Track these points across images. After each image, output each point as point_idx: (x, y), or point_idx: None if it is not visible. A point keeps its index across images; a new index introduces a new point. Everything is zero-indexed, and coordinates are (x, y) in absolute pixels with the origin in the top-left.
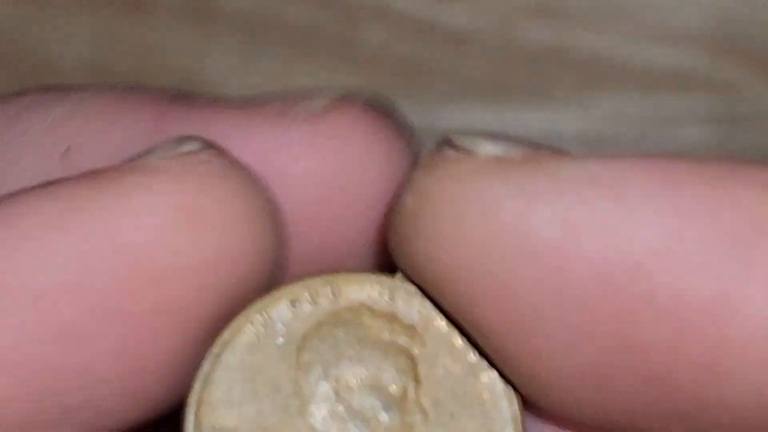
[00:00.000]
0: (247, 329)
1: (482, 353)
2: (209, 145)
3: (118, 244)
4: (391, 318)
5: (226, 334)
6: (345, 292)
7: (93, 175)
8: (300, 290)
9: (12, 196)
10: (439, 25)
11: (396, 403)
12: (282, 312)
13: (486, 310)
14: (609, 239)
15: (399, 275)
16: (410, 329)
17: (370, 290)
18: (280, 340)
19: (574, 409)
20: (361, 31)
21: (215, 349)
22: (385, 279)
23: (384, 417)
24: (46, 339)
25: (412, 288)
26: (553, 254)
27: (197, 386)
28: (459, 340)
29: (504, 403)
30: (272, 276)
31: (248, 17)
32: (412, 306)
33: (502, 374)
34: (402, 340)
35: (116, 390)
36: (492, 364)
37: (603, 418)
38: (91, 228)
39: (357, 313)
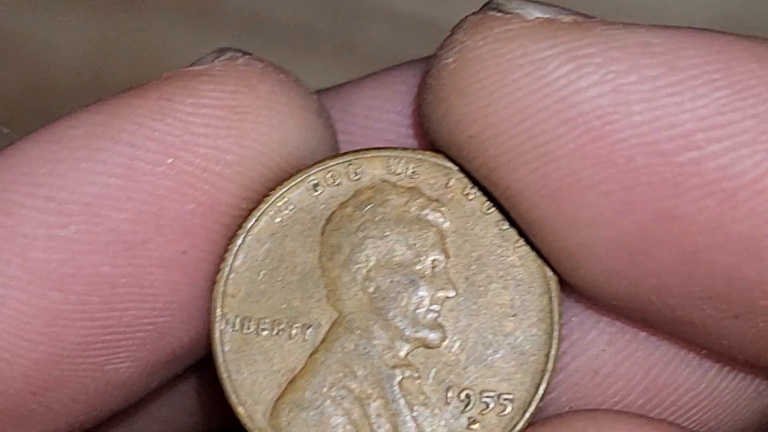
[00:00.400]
0: (268, 217)
1: (513, 225)
2: (247, 53)
3: (163, 147)
4: (416, 192)
5: (247, 224)
6: (366, 171)
7: (135, 88)
8: (320, 173)
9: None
10: (438, 23)
11: (426, 279)
12: (303, 197)
13: (522, 174)
14: (659, 108)
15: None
16: (436, 202)
17: (391, 166)
18: (304, 225)
19: (605, 285)
20: (360, 29)
21: (237, 240)
22: (407, 153)
23: (414, 295)
24: (99, 249)
25: (438, 159)
26: (600, 120)
27: (221, 279)
28: (489, 211)
29: (537, 272)
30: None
31: (247, 15)
32: (438, 178)
33: (534, 249)
34: (428, 214)
35: (172, 303)
36: (523, 238)
37: (634, 297)
38: (136, 133)
39: (379, 190)
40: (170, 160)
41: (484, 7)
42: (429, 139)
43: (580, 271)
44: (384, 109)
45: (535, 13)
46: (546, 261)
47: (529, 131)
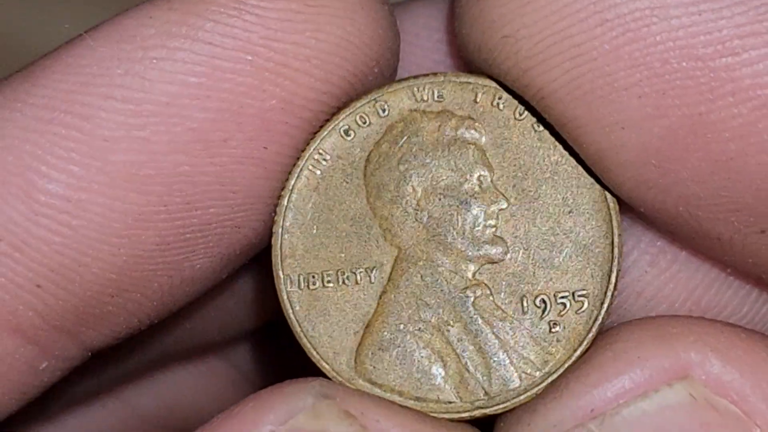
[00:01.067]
0: (308, 171)
1: (548, 127)
2: None
3: (241, 44)
4: (446, 114)
5: (289, 182)
6: (393, 105)
7: None
8: (349, 117)
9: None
10: None
11: (476, 197)
12: (337, 143)
13: (556, 75)
14: (697, 13)
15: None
16: (469, 120)
17: (416, 94)
18: (344, 172)
19: (634, 192)
20: None
21: (283, 200)
22: (428, 78)
23: (468, 215)
24: (179, 148)
25: (461, 77)
26: (637, 22)
27: (276, 242)
28: (521, 116)
29: (581, 167)
30: (389, 72)
31: None
32: (465, 96)
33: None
34: (463, 133)
35: (251, 198)
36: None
37: (662, 206)
38: (214, 31)
39: (410, 121)
40: (249, 57)
41: None
42: (461, 44)
43: (610, 175)
44: (432, 29)
45: None
46: None
47: (565, 31)
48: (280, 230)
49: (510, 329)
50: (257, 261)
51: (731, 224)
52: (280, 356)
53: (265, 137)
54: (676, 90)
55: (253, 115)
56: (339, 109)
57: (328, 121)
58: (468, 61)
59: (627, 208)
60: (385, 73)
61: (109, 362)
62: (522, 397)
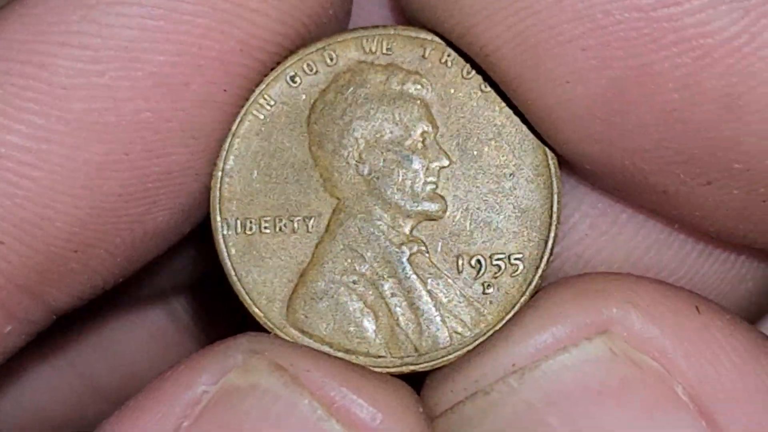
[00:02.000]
0: (252, 116)
1: (495, 87)
2: None
3: None
4: (393, 68)
5: (231, 126)
6: (341, 55)
7: None
8: (296, 64)
9: None
10: None
11: (418, 152)
12: (283, 90)
13: (499, 31)
14: None
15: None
16: (416, 75)
17: (365, 46)
18: (288, 118)
19: (580, 146)
20: None
21: (225, 144)
22: (378, 30)
23: (408, 170)
24: (140, 94)
25: (411, 32)
26: None
27: (215, 185)
28: (469, 75)
29: (527, 129)
30: (342, 15)
31: None
32: (413, 51)
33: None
34: (409, 87)
35: (212, 143)
36: (505, 101)
37: (608, 161)
38: None
39: (357, 72)
40: None
41: None
42: (404, 4)
43: (557, 132)
44: None
45: None
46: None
47: None
48: (219, 173)
49: (444, 288)
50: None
51: (677, 176)
52: (220, 307)
53: (225, 79)
54: (620, 41)
55: (212, 57)
56: (286, 57)
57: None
58: (413, 19)
59: (570, 169)
60: (339, 17)
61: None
62: (451, 356)
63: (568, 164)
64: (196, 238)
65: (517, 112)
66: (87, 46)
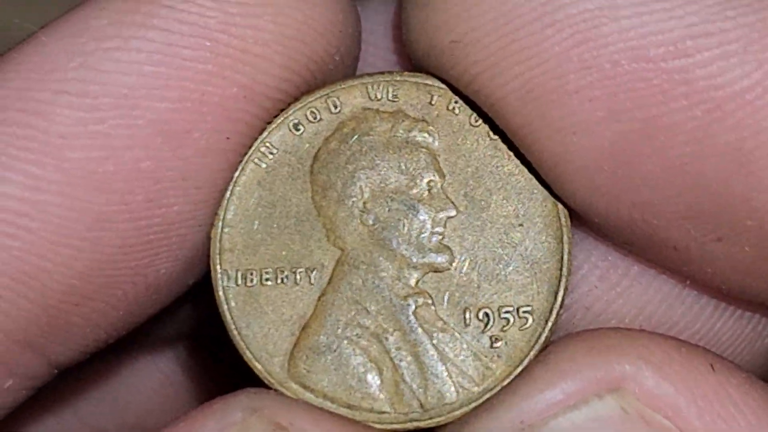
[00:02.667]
0: (254, 164)
1: (503, 135)
2: None
3: (199, 29)
4: (399, 115)
5: (233, 176)
6: (346, 102)
7: None
8: (300, 111)
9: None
10: None
11: (424, 202)
12: (285, 138)
13: (506, 80)
14: (648, 13)
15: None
16: (422, 122)
17: (371, 92)
18: (291, 167)
19: (588, 199)
20: None
21: (226, 193)
22: (384, 77)
23: (414, 220)
24: (140, 142)
25: (418, 78)
26: (586, 23)
27: (215, 235)
28: (476, 123)
29: (535, 179)
30: (349, 61)
31: None
32: (420, 97)
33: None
34: (416, 135)
35: (215, 192)
36: (513, 150)
37: (616, 214)
38: (169, 18)
39: (362, 119)
40: (208, 43)
41: None
42: (409, 50)
43: (563, 183)
44: (388, 27)
45: None
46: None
47: (513, 34)
48: (220, 223)
49: (450, 341)
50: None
51: (687, 232)
52: (223, 357)
53: (228, 127)
54: (628, 93)
55: (215, 103)
56: (290, 104)
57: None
58: (419, 65)
59: (579, 221)
60: (346, 62)
61: None
62: (457, 412)
63: (576, 215)
64: (198, 287)
65: (526, 161)
66: (85, 94)
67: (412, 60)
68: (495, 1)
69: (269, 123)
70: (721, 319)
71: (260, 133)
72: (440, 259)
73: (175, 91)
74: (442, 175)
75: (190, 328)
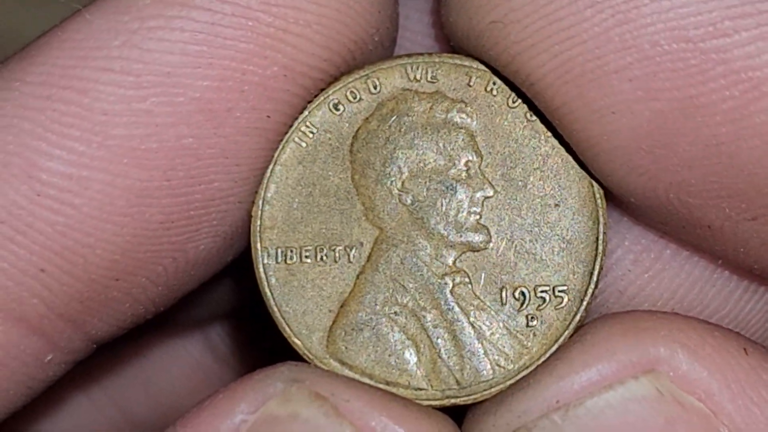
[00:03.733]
0: (294, 143)
1: (540, 116)
2: None
3: (241, 9)
4: (438, 96)
5: (273, 154)
6: (385, 82)
7: None
8: (339, 92)
9: None
10: None
11: (462, 182)
12: (326, 117)
13: (545, 59)
14: (677, 1)
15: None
16: (461, 103)
17: (410, 74)
18: (331, 146)
19: (625, 179)
20: None
21: (266, 172)
22: (423, 58)
23: (452, 200)
24: (182, 120)
25: (456, 59)
26: (628, 4)
27: (256, 213)
28: (514, 104)
29: (572, 160)
30: (388, 42)
31: None
32: (458, 79)
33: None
34: (454, 116)
35: (255, 170)
36: (551, 130)
37: (653, 194)
38: None
39: (402, 100)
40: (250, 23)
41: None
42: (448, 31)
43: (601, 163)
44: (424, 11)
45: None
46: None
47: (553, 14)
48: (261, 202)
49: (487, 320)
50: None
51: (722, 211)
52: (258, 338)
53: (269, 106)
54: (667, 73)
55: (256, 82)
56: (330, 84)
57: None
58: (457, 47)
59: (614, 204)
60: (384, 44)
61: None
62: (493, 389)
63: (611, 198)
64: (235, 267)
65: (563, 142)
66: (129, 72)
67: (451, 41)
68: None
69: (309, 102)
70: (751, 301)
71: (300, 113)
72: (477, 239)
73: (216, 69)
74: (480, 156)
75: (222, 310)
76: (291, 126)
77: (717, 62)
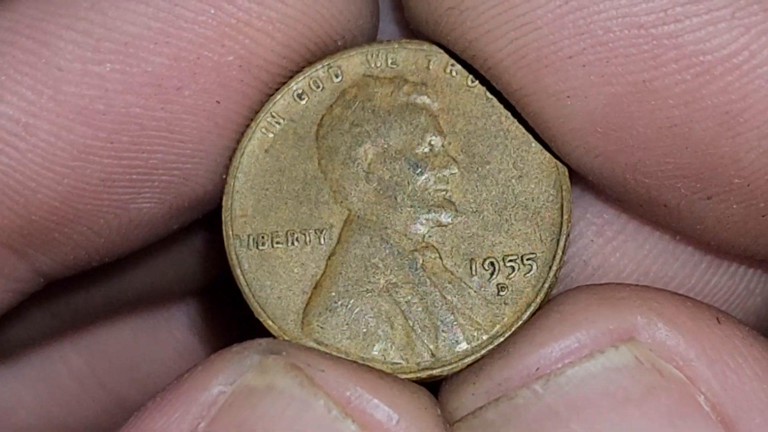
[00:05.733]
0: (260, 133)
1: (498, 95)
2: None
3: None
4: (399, 80)
5: (241, 144)
6: (347, 70)
7: None
8: (303, 81)
9: None
10: None
11: (427, 161)
12: (290, 107)
13: (501, 45)
14: None
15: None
16: (421, 85)
17: (370, 61)
18: (296, 133)
19: (581, 160)
20: None
21: (234, 161)
22: (383, 45)
23: (418, 178)
24: (132, 89)
25: (415, 44)
26: None
27: (226, 202)
28: (473, 84)
29: (531, 135)
30: (363, 40)
31: None
32: (418, 62)
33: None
34: (416, 98)
35: (200, 151)
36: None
37: (610, 174)
38: None
39: (364, 86)
40: (212, 11)
41: None
42: (409, 17)
43: (558, 144)
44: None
45: None
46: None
47: (509, 1)
48: (231, 191)
49: (458, 292)
50: (209, 220)
51: (678, 191)
52: (228, 315)
53: (220, 92)
54: (620, 58)
55: (209, 67)
56: (294, 73)
57: (282, 84)
58: (416, 32)
59: (577, 176)
60: (357, 40)
61: (59, 302)
62: (468, 359)
63: (573, 172)
64: (208, 244)
65: (522, 119)
66: (90, 34)
67: (412, 28)
68: None
69: (270, 94)
70: (715, 275)
71: (264, 103)
72: (444, 214)
73: (172, 48)
74: (443, 135)
75: (200, 286)
76: (253, 117)
77: (669, 47)
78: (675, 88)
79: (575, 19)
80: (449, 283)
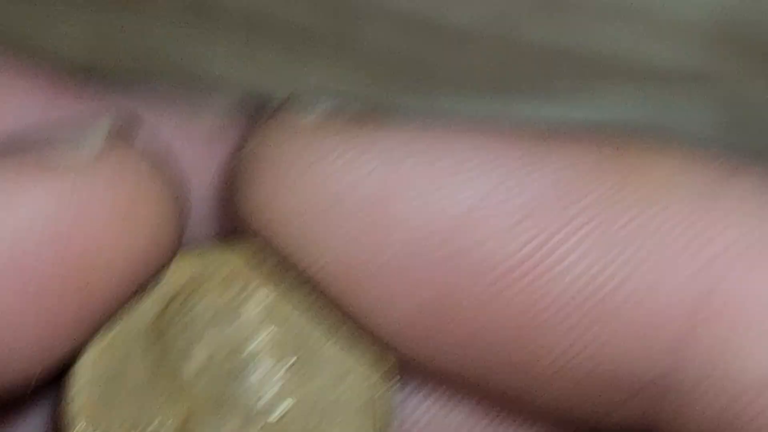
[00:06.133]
0: (100, 333)
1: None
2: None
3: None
4: (227, 281)
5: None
6: (174, 275)
7: None
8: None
9: None
10: (440, 22)
11: (259, 358)
12: (124, 310)
13: (314, 259)
14: (424, 199)
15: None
16: (251, 284)
17: (197, 265)
18: (129, 336)
19: (413, 355)
20: (361, 28)
21: (79, 359)
22: (209, 247)
23: (252, 376)
24: None
25: (243, 245)
26: (373, 209)
27: (67, 401)
28: (290, 308)
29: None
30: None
31: (249, 14)
32: (246, 262)
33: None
34: (245, 298)
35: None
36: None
37: (436, 369)
38: None
39: (191, 290)
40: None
41: (280, 104)
42: (237, 220)
43: (384, 345)
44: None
45: (318, 109)
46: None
47: (319, 217)
48: (71, 392)
49: None
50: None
51: (507, 379)
52: None
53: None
54: (419, 270)
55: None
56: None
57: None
58: (242, 231)
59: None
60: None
61: None
62: None
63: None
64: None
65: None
66: None
67: (237, 228)
68: (300, 185)
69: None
70: None
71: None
72: (277, 409)
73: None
74: (275, 330)
75: None
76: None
77: (461, 260)
78: (472, 299)
79: (376, 235)
80: None
